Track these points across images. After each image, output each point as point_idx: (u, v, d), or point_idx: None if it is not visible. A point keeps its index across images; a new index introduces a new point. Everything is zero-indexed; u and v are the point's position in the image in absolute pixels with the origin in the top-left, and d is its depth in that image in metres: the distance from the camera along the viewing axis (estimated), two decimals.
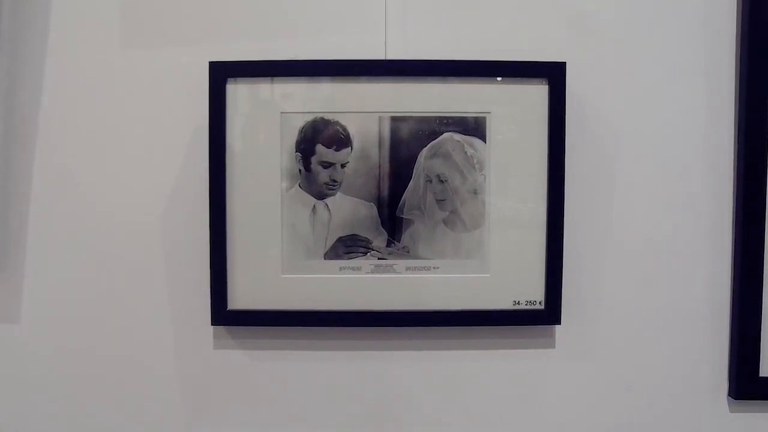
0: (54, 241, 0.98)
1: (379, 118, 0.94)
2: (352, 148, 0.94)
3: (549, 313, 0.96)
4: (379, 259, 0.95)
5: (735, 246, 1.00)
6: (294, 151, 0.94)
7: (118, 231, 0.98)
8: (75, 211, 0.98)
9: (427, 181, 0.95)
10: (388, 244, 0.95)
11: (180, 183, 0.98)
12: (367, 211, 0.95)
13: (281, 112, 0.94)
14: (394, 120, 0.94)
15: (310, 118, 0.94)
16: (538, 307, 0.96)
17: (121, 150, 0.98)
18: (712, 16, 0.99)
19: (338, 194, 0.95)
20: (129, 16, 0.97)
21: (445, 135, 0.95)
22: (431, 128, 0.95)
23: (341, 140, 0.94)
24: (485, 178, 0.95)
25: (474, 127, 0.95)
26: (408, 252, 0.95)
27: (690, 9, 0.99)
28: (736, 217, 0.99)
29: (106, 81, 0.97)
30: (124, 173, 0.98)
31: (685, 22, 0.99)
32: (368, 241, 0.95)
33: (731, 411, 1.02)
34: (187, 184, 0.97)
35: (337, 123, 0.94)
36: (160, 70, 0.97)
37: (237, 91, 0.94)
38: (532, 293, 0.96)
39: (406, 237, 0.95)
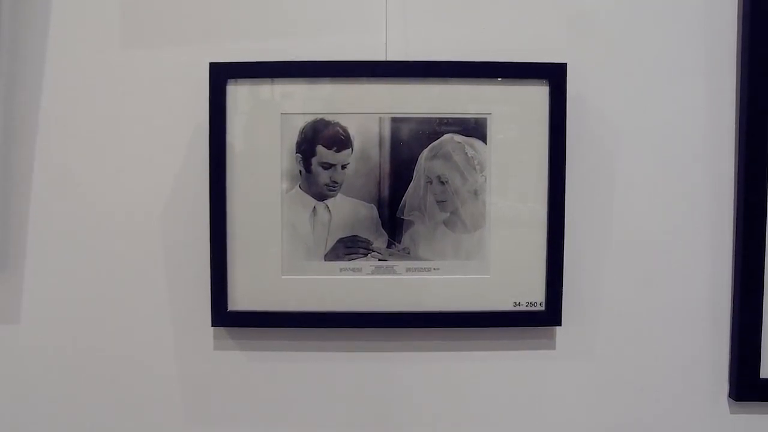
0: (54, 241, 0.98)
1: (380, 119, 0.94)
2: (352, 149, 0.94)
3: (549, 315, 0.96)
4: (379, 260, 0.95)
5: (735, 246, 1.00)
6: (294, 152, 0.94)
7: (118, 231, 0.98)
8: (75, 211, 0.98)
9: (427, 182, 0.95)
10: (389, 246, 0.95)
11: (180, 183, 0.98)
12: (367, 212, 0.95)
13: (281, 113, 0.94)
14: (395, 121, 0.94)
15: (310, 119, 0.94)
16: (538, 308, 0.96)
17: (121, 150, 0.98)
18: (713, 15, 0.99)
19: (339, 195, 0.95)
20: (129, 16, 0.97)
21: (446, 136, 0.94)
22: (432, 129, 0.94)
23: (342, 141, 0.94)
24: (486, 179, 0.95)
25: (474, 128, 0.95)
26: (408, 253, 0.95)
27: (690, 9, 0.99)
28: (736, 217, 0.99)
29: (106, 81, 0.97)
30: (124, 173, 0.98)
31: (686, 22, 0.99)
32: (369, 243, 0.95)
33: (731, 412, 1.02)
34: (187, 185, 0.97)
35: (337, 124, 0.94)
36: (160, 70, 0.97)
37: (237, 92, 0.94)
38: (532, 294, 0.96)
39: (406, 238, 0.95)
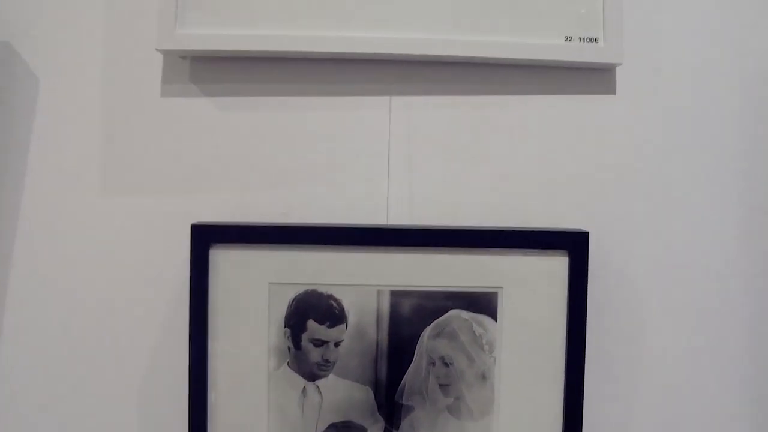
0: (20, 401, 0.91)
1: (378, 291, 0.85)
2: (347, 325, 0.85)
3: None
4: None
5: None
6: (283, 326, 0.85)
7: (89, 403, 0.91)
8: (46, 375, 0.91)
9: (429, 363, 0.85)
10: None
11: (157, 354, 0.90)
12: (362, 395, 0.86)
13: (269, 283, 0.85)
14: (395, 294, 0.85)
15: (301, 290, 0.85)
16: None
17: (97, 315, 0.91)
18: (742, 188, 0.90)
19: (331, 375, 0.85)
20: (110, 167, 0.90)
21: (452, 312, 0.85)
22: (436, 304, 0.85)
23: (335, 316, 0.85)
24: (495, 360, 0.85)
25: (484, 304, 0.85)
26: None
27: (724, 182, 0.90)
28: None
29: (82, 231, 0.90)
30: (100, 332, 0.90)
31: (717, 185, 0.91)
32: (363, 429, 0.86)
33: None
34: (165, 356, 0.89)
35: (330, 296, 0.85)
36: (140, 223, 0.90)
37: (221, 258, 0.85)
38: None
39: (405, 425, 0.86)
